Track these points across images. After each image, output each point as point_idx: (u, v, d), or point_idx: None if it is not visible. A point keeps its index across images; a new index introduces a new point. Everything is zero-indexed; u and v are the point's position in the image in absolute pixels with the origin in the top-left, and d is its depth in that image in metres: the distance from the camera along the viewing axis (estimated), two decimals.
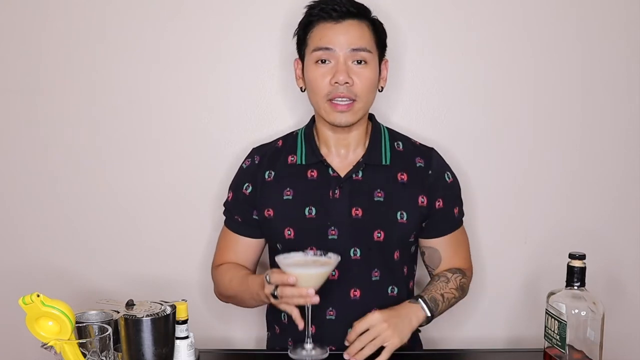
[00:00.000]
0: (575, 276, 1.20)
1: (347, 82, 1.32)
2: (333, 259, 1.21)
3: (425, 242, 1.47)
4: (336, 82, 1.32)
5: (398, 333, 1.25)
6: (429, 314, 1.32)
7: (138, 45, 1.67)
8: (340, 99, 1.33)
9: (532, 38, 1.69)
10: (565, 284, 1.22)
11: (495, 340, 1.76)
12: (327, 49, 1.34)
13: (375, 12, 1.40)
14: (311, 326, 1.22)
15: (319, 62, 1.35)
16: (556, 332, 1.21)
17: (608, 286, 1.75)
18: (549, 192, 1.73)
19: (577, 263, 1.20)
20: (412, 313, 1.31)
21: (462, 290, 1.45)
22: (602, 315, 1.19)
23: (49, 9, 1.66)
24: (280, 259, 1.21)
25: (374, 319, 1.25)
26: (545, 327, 1.26)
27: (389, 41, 1.43)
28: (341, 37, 1.33)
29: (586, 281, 1.21)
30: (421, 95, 1.70)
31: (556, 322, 1.21)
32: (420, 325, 1.34)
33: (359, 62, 1.34)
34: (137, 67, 1.68)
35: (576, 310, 1.19)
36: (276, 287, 1.21)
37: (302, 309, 1.20)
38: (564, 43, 1.69)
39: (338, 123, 1.36)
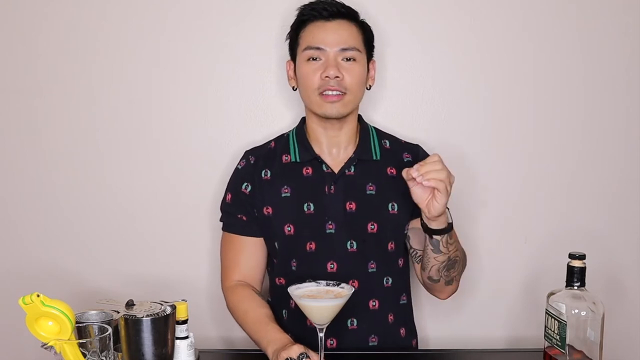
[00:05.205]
0: (575, 276, 1.20)
1: (337, 77, 1.36)
2: (346, 289, 1.16)
3: (414, 224, 1.43)
4: (327, 77, 1.36)
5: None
6: (450, 220, 1.31)
7: (138, 45, 1.68)
8: (330, 91, 1.36)
9: (532, 38, 1.69)
10: (565, 284, 1.22)
11: (495, 340, 1.76)
12: (318, 48, 1.38)
13: (363, 15, 1.45)
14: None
15: (310, 59, 1.39)
16: (556, 332, 1.21)
17: (608, 286, 1.75)
18: (549, 192, 1.73)
19: (577, 263, 1.20)
20: None
21: (464, 256, 1.43)
22: (602, 315, 1.19)
23: (49, 9, 1.66)
24: (292, 289, 1.16)
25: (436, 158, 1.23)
26: (545, 327, 1.26)
27: (377, 42, 1.48)
28: (331, 36, 1.37)
29: (586, 281, 1.21)
30: (421, 96, 1.70)
31: (556, 322, 1.21)
32: (436, 233, 1.31)
33: (348, 60, 1.38)
34: (137, 67, 1.68)
35: (576, 310, 1.19)
36: (299, 357, 1.16)
37: (314, 341, 1.17)
38: (564, 43, 1.69)
39: (329, 114, 1.38)
